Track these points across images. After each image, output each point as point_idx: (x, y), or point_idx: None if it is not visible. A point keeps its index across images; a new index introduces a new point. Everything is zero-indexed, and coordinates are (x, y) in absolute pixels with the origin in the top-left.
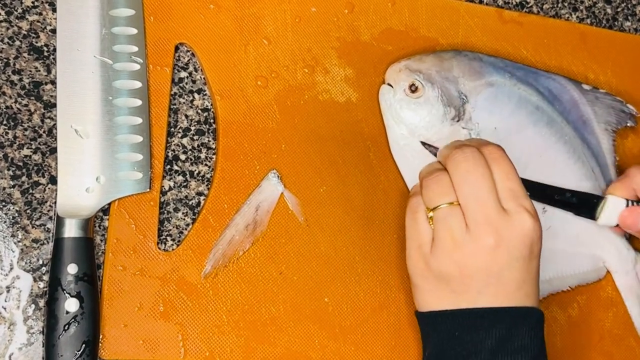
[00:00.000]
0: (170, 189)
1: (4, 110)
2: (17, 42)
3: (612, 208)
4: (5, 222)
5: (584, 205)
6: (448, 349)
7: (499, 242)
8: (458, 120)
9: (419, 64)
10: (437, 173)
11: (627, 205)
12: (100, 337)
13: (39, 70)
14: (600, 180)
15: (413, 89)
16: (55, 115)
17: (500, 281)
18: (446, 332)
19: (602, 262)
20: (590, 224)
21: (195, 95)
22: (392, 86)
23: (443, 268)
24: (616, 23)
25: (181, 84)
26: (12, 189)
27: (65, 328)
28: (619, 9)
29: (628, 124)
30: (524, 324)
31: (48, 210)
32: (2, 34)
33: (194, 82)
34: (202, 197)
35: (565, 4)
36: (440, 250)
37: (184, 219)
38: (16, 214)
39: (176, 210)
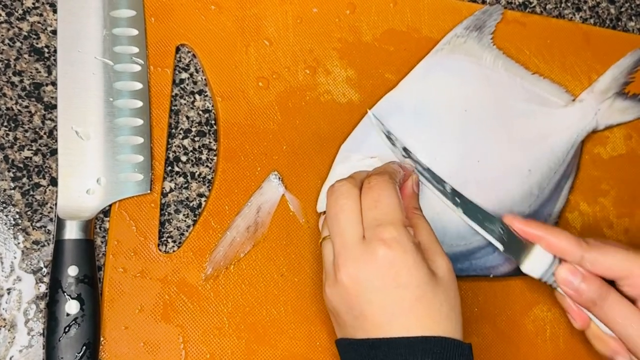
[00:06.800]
0: (171, 190)
1: (5, 111)
2: (18, 44)
3: (538, 259)
4: (6, 223)
5: (511, 245)
6: None
7: (355, 272)
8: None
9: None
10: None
11: (553, 262)
12: (101, 339)
13: (40, 72)
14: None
15: None
16: (56, 117)
17: (363, 314)
18: None
19: None
20: None
21: (196, 96)
22: None
23: (327, 303)
24: (620, 23)
25: (182, 85)
26: (12, 191)
27: (66, 330)
28: (622, 9)
29: None
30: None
31: (49, 212)
32: (2, 35)
33: (195, 83)
34: (203, 199)
35: (569, 4)
36: (324, 283)
37: (185, 221)
38: (17, 216)
39: (177, 211)
